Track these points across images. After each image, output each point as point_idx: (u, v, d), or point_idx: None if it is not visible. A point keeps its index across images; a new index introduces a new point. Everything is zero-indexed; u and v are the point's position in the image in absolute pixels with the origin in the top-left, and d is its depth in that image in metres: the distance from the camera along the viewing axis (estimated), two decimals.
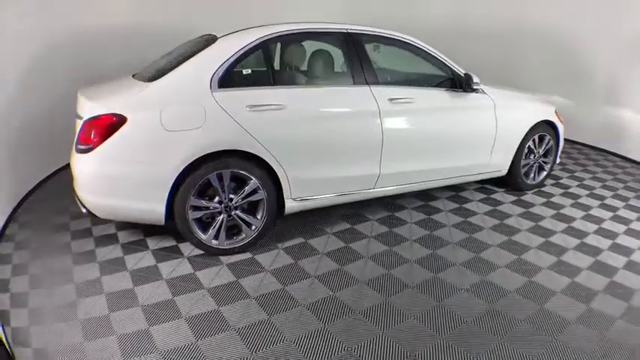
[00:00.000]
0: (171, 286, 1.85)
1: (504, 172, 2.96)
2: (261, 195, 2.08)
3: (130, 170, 1.87)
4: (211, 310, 1.69)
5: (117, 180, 1.88)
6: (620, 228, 2.48)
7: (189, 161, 1.88)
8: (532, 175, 3.10)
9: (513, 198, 2.97)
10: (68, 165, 3.60)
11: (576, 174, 3.55)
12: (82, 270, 1.97)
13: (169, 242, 2.24)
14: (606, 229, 2.48)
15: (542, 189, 3.16)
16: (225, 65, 1.99)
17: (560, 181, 3.36)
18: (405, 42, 2.49)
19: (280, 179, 2.10)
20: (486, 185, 3.19)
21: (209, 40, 2.12)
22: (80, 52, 3.30)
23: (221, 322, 1.62)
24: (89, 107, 1.91)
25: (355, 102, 2.24)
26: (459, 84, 2.60)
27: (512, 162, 2.93)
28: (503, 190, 3.12)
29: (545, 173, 3.16)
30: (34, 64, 2.87)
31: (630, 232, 2.43)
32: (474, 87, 2.53)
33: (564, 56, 4.38)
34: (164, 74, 1.99)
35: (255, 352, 1.47)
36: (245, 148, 1.97)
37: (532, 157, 3.04)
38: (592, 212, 2.72)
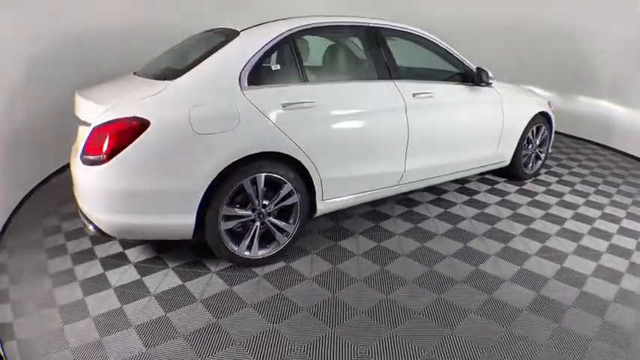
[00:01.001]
0: (209, 307, 1.73)
1: (508, 162, 3.16)
2: (294, 199, 2.01)
3: (154, 182, 1.71)
4: (267, 331, 1.60)
5: (139, 194, 1.71)
6: (621, 212, 2.77)
7: (223, 167, 1.76)
8: (530, 164, 3.35)
9: (516, 188, 3.19)
10: (56, 173, 3.24)
11: (563, 162, 3.90)
12: (97, 300, 1.77)
13: (189, 257, 2.10)
14: (609, 213, 2.76)
15: (539, 177, 3.43)
16: (254, 60, 1.89)
17: (552, 169, 3.67)
18: (421, 36, 2.55)
19: (313, 180, 2.06)
20: (487, 176, 3.39)
21: (229, 34, 2.00)
22: (70, 52, 3.16)
23: (282, 342, 1.55)
24: (98, 111, 1.71)
25: (382, 97, 2.25)
26: (471, 78, 2.72)
27: (515, 152, 3.15)
28: (504, 180, 3.34)
29: (540, 162, 3.43)
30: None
31: (631, 216, 2.72)
32: (490, 81, 2.67)
33: (564, 51, 4.64)
34: (183, 71, 1.84)
35: None
36: (283, 150, 1.89)
37: (530, 147, 3.28)
38: (591, 199, 3.01)
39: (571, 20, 4.51)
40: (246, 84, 1.85)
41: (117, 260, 2.07)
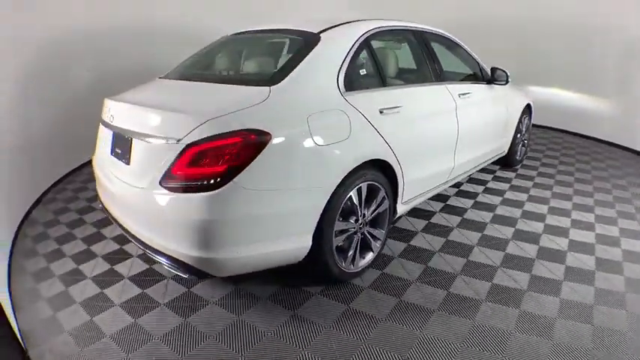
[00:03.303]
0: (344, 331, 1.77)
1: (506, 151, 3.75)
2: (386, 204, 2.14)
3: (276, 204, 1.64)
4: (423, 339, 1.73)
5: (257, 221, 1.62)
6: (607, 185, 3.55)
7: (341, 179, 1.81)
8: (518, 152, 4.01)
9: (513, 174, 3.80)
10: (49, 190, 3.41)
11: (531, 146, 4.74)
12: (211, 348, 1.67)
13: (275, 284, 2.07)
14: (597, 187, 3.50)
15: (524, 163, 4.13)
16: (346, 64, 1.96)
17: (529, 154, 4.44)
18: (449, 39, 2.92)
19: (399, 184, 2.21)
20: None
21: (307, 37, 2.02)
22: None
23: (440, 345, 1.70)
24: (185, 122, 1.57)
25: (442, 99, 2.53)
26: (486, 77, 3.17)
27: (511, 142, 3.74)
28: (498, 167, 3.93)
29: (524, 149, 4.12)
30: None
31: (616, 186, 3.52)
32: (509, 80, 3.16)
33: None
34: (278, 76, 1.80)
35: None
36: (383, 156, 2.01)
37: (519, 136, 3.93)
38: (577, 176, 3.76)
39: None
40: (344, 89, 1.92)
41: (191, 302, 1.94)
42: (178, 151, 1.56)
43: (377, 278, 2.13)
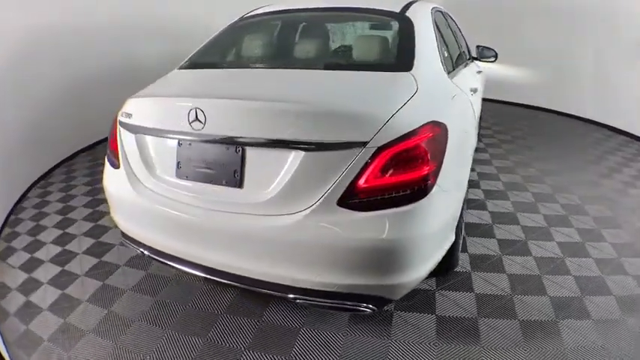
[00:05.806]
0: (489, 315, 1.89)
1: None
2: None
3: (455, 200, 1.60)
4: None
5: (447, 222, 1.56)
6: (560, 143, 4.42)
7: (470, 165, 1.88)
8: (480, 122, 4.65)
9: (482, 144, 4.40)
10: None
11: None
12: None
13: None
14: (559, 144, 4.34)
15: (481, 132, 4.81)
16: (439, 46, 1.99)
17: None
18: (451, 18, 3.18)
19: None
20: None
21: (398, 17, 2.00)
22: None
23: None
24: (367, 120, 1.35)
25: (475, 78, 2.77)
26: (470, 54, 3.57)
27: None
28: None
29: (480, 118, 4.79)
30: None
31: (572, 148, 4.41)
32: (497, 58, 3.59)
33: None
34: (403, 60, 1.72)
35: None
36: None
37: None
38: (534, 140, 4.57)
39: None
40: (447, 71, 1.96)
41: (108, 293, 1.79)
42: (366, 159, 1.33)
43: (470, 260, 2.31)
